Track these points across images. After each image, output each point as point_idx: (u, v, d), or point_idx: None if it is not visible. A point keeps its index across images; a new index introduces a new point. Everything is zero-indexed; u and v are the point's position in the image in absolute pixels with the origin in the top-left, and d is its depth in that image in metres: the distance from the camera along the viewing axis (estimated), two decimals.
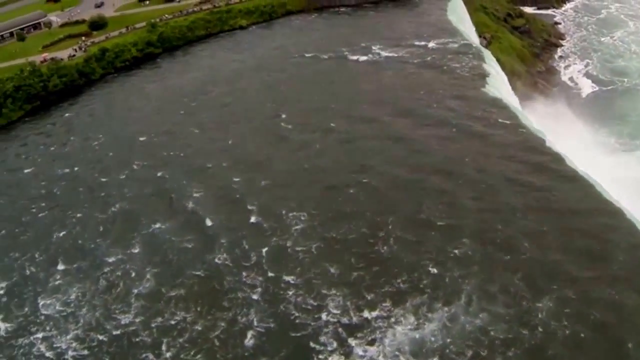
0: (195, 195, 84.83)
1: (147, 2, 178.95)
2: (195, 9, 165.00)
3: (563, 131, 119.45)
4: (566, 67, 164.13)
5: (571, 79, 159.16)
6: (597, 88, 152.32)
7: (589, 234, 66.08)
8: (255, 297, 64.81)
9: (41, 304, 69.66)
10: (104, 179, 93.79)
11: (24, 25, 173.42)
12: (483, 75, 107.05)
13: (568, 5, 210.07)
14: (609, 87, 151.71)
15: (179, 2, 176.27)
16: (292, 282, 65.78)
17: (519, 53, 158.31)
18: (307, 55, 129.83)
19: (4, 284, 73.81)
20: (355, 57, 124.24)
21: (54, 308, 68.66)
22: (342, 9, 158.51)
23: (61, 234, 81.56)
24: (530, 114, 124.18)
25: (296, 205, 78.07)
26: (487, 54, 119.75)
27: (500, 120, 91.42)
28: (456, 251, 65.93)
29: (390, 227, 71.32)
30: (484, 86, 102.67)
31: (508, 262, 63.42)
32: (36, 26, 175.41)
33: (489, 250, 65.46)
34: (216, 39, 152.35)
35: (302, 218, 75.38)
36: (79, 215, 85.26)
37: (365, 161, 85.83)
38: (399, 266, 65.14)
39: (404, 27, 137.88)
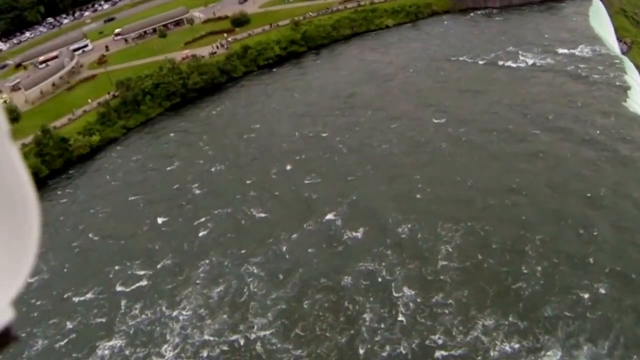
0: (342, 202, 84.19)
1: (291, 0, 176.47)
2: (339, 7, 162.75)
3: None
4: None
5: None
6: None
7: None
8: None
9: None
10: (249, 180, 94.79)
11: (167, 22, 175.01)
12: (625, 88, 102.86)
13: None
14: None
15: None
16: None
17: None
18: (452, 59, 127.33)
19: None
20: (501, 63, 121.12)
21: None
22: (487, 11, 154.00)
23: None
24: None
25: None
26: (629, 64, 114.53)
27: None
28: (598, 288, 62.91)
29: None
30: (625, 100, 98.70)
31: None
32: (179, 22, 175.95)
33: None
34: (362, 38, 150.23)
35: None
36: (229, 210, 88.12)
37: (510, 181, 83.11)
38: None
39: (548, 32, 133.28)
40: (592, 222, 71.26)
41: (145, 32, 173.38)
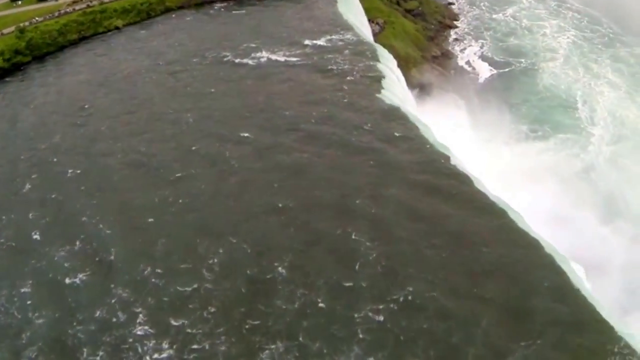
0: None
1: (20, 2, 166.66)
2: (68, 9, 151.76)
3: (463, 123, 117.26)
4: (462, 50, 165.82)
5: (468, 62, 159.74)
6: (495, 71, 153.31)
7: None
8: None
9: None
10: None
11: None
12: (378, 78, 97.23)
13: None
14: (506, 69, 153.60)
15: (57, 0, 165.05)
16: None
17: (412, 38, 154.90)
18: (184, 59, 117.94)
19: None
20: (237, 61, 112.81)
21: None
22: (224, 4, 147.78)
23: None
24: (427, 105, 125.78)
25: None
26: (382, 51, 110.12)
27: (397, 134, 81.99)
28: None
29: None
30: (379, 91, 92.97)
31: None
32: None
33: None
34: (90, 42, 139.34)
35: None
36: None
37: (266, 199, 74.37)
38: None
39: (292, 23, 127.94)
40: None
41: None
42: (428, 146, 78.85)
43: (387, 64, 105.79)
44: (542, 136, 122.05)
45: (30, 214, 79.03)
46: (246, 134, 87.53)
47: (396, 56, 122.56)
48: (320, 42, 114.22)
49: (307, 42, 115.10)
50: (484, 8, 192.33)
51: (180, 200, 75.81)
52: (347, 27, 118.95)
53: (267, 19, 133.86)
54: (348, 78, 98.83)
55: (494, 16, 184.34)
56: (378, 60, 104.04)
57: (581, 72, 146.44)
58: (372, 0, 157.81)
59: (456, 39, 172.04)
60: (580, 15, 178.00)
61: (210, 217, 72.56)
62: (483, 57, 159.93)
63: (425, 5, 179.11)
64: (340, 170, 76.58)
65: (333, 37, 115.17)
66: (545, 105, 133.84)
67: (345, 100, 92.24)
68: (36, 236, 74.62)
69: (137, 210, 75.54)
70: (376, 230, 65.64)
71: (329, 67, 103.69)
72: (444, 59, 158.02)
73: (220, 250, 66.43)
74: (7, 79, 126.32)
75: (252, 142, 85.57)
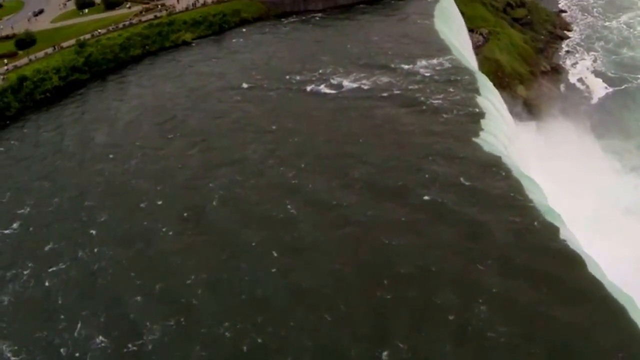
0: None
1: (86, 11, 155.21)
2: (133, 20, 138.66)
3: (573, 155, 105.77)
4: (573, 65, 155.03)
5: (580, 79, 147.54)
6: (610, 89, 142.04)
7: None
8: None
9: None
10: None
11: None
12: (477, 117, 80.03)
13: None
14: (621, 87, 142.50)
15: (129, 7, 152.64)
16: None
17: (520, 50, 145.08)
18: (252, 83, 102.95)
19: None
20: (312, 88, 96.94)
21: None
22: (308, 16, 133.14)
23: None
24: (534, 133, 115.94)
25: None
26: (483, 80, 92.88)
27: (495, 192, 65.35)
28: None
29: None
30: (478, 134, 75.82)
31: None
32: None
33: None
34: (154, 59, 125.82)
35: None
36: None
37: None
38: None
39: (379, 41, 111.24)
40: None
41: None
42: (533, 212, 61.89)
43: (489, 96, 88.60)
44: None
45: (105, 251, 68.30)
46: (309, 185, 72.56)
47: (501, 72, 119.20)
48: (412, 66, 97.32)
49: (396, 66, 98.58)
50: (597, 15, 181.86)
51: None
52: (444, 48, 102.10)
53: (352, 36, 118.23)
54: (442, 115, 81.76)
55: (607, 24, 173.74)
56: (478, 93, 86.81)
57: None
58: (477, 8, 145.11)
59: (568, 52, 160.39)
60: None
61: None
62: (596, 73, 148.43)
63: (534, 13, 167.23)
64: (423, 244, 60.63)
65: (427, 60, 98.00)
66: None
67: (436, 146, 75.21)
68: (103, 279, 64.44)
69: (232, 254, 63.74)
70: (460, 336, 50.12)
71: (420, 99, 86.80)
72: (554, 74, 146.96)
73: None
74: (61, 101, 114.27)
75: (311, 194, 70.98)
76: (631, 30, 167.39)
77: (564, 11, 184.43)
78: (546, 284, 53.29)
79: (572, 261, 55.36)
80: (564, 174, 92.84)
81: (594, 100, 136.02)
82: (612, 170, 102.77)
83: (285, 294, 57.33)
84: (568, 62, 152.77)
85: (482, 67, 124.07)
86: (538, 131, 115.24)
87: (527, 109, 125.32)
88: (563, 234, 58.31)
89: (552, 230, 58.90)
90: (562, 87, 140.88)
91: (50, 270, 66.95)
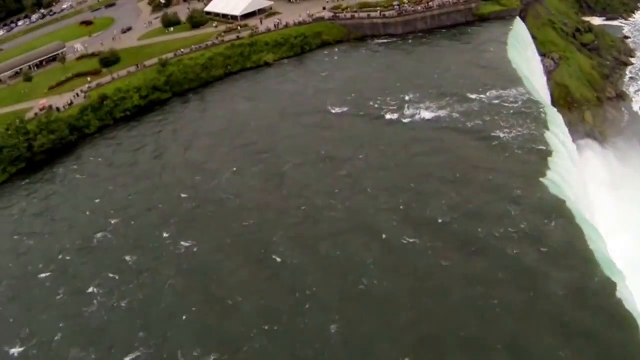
0: None
1: (172, 29, 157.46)
2: (216, 40, 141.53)
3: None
4: (637, 92, 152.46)
5: None
6: None
7: None
8: None
9: None
10: None
11: (42, 58, 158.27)
12: (545, 155, 79.13)
13: (638, 15, 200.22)
14: None
15: (215, 27, 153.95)
16: None
17: (588, 76, 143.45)
18: (325, 110, 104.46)
19: None
20: (384, 116, 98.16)
21: None
22: (387, 39, 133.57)
23: None
24: (600, 161, 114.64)
25: None
26: (553, 115, 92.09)
27: (556, 242, 64.03)
28: None
29: None
30: (545, 173, 74.97)
31: None
32: (56, 58, 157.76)
33: None
34: (236, 80, 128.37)
35: None
36: None
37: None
38: None
39: (455, 69, 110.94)
40: None
41: (21, 69, 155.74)
42: (593, 265, 61.15)
43: (558, 133, 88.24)
44: None
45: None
46: (372, 223, 73.94)
47: (570, 97, 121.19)
48: (484, 97, 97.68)
49: (469, 96, 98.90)
50: None
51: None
52: (516, 80, 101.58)
53: (428, 62, 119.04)
54: (509, 151, 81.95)
55: None
56: (547, 128, 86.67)
57: None
58: (548, 33, 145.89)
59: (632, 78, 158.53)
60: None
61: None
62: None
63: (601, 38, 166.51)
64: (479, 293, 60.37)
65: (499, 91, 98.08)
66: None
67: (503, 187, 75.24)
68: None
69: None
70: None
71: (489, 134, 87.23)
72: (619, 100, 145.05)
73: None
74: (142, 119, 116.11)
75: (373, 237, 71.56)
76: None
77: (628, 37, 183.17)
78: (600, 348, 52.79)
79: (627, 323, 54.45)
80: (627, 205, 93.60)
81: None
82: None
83: None
84: (632, 89, 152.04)
85: (553, 92, 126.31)
86: (602, 160, 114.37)
87: (594, 135, 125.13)
88: (620, 293, 57.45)
89: (610, 286, 58.17)
90: (626, 114, 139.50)
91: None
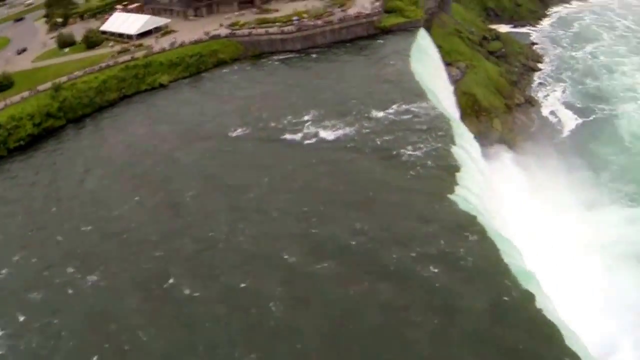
0: None
1: (67, 50, 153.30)
2: (110, 62, 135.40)
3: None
4: (545, 97, 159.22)
5: (552, 112, 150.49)
6: (579, 120, 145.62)
7: None
8: None
9: None
10: None
11: None
12: (453, 170, 78.50)
13: (545, 22, 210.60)
14: (589, 118, 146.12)
15: (111, 46, 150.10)
16: None
17: (496, 83, 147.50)
18: (224, 133, 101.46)
19: None
20: (289, 137, 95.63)
21: None
22: (285, 56, 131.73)
23: None
24: (510, 169, 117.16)
25: None
26: (459, 128, 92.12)
27: (469, 259, 63.32)
28: None
29: None
30: (453, 189, 74.20)
31: None
32: None
33: None
34: (130, 103, 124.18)
35: None
36: None
37: None
38: None
39: (355, 85, 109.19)
40: None
41: None
42: (509, 279, 60.22)
43: (466, 146, 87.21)
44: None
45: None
46: (278, 249, 71.06)
47: (478, 106, 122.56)
48: (388, 113, 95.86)
49: (371, 113, 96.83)
50: (565, 45, 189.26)
51: None
52: (421, 93, 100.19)
53: (330, 78, 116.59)
54: (415, 169, 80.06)
55: (574, 54, 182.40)
56: (453, 142, 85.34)
57: None
58: (454, 42, 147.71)
59: (540, 83, 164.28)
60: None
61: None
62: (566, 104, 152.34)
63: (508, 45, 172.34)
64: (393, 318, 59.10)
65: (403, 106, 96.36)
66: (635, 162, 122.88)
67: (408, 204, 73.97)
68: None
69: None
70: None
71: (395, 151, 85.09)
72: (527, 106, 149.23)
73: None
74: (36, 149, 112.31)
75: (279, 264, 69.11)
76: (595, 60, 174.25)
77: (536, 43, 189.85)
78: None
79: (550, 334, 54.16)
80: (539, 213, 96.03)
81: (565, 133, 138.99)
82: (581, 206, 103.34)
83: None
84: (540, 94, 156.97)
85: (460, 101, 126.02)
86: (513, 167, 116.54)
87: (504, 142, 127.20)
88: (539, 303, 57.06)
89: (528, 298, 57.66)
90: (535, 119, 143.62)
91: None
